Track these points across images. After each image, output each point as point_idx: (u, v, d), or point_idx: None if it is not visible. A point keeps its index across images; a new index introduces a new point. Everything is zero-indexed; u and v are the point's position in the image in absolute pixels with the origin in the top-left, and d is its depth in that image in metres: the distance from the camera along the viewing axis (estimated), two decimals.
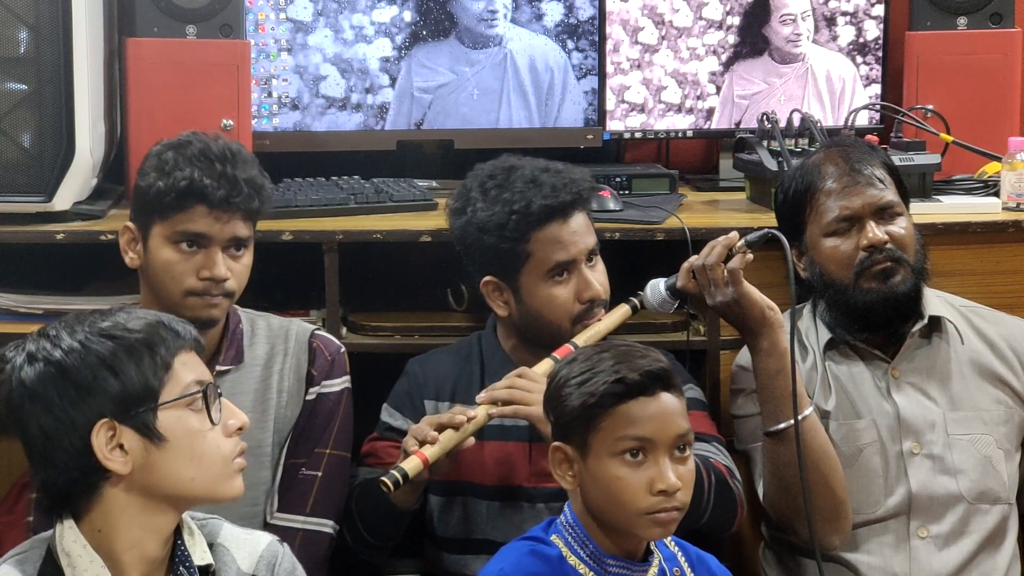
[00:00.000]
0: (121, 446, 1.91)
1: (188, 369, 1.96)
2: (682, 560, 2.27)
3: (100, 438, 1.90)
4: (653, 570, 2.21)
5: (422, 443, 2.43)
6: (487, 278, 2.65)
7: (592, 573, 2.17)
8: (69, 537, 1.93)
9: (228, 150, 2.52)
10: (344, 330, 2.95)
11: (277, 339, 2.65)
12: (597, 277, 2.63)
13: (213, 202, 2.47)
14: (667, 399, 2.16)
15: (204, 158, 2.49)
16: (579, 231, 2.62)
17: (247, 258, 2.55)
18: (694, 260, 2.64)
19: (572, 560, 2.18)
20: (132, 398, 1.90)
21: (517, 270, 2.61)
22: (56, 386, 1.90)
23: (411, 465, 2.41)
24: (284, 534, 2.49)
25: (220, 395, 1.99)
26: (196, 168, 2.48)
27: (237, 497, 2.00)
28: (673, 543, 2.29)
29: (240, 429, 2.00)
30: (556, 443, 2.19)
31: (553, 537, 2.21)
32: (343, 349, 2.70)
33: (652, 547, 2.22)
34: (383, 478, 2.41)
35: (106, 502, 1.94)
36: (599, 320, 2.62)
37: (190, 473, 1.94)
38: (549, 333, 2.58)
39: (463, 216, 2.65)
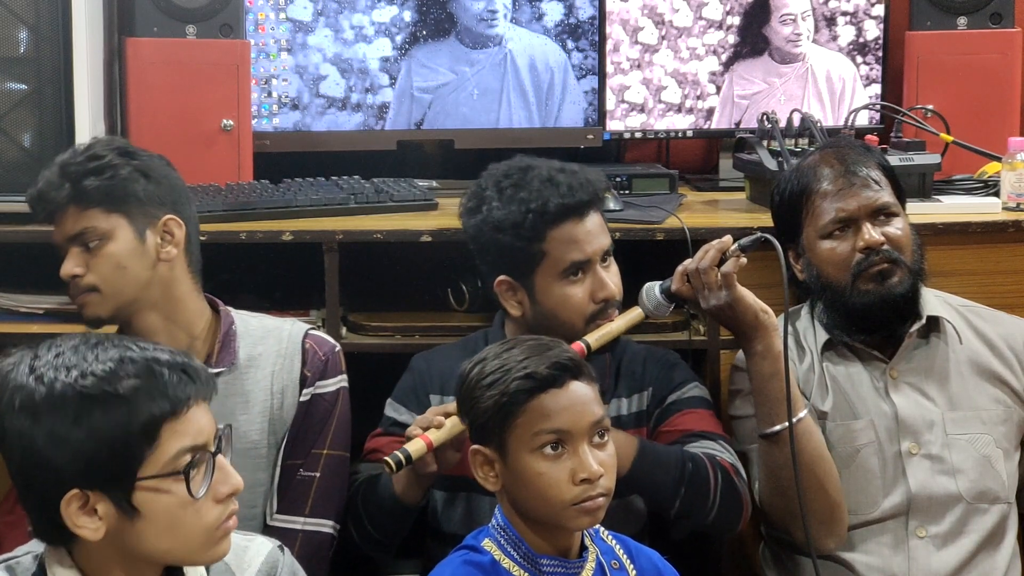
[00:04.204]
0: (96, 509, 1.78)
1: (178, 437, 1.79)
2: (620, 552, 2.26)
3: (70, 507, 1.77)
4: (590, 565, 2.20)
5: (426, 429, 2.43)
6: (501, 278, 2.65)
7: (526, 575, 2.16)
8: (54, 557, 1.85)
9: (60, 159, 2.51)
10: (344, 330, 2.95)
11: (271, 340, 2.63)
12: (611, 278, 2.63)
13: (37, 207, 2.49)
14: (578, 388, 2.15)
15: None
16: (594, 231, 2.62)
17: (109, 247, 2.48)
18: (688, 264, 2.64)
19: (506, 563, 2.17)
20: (106, 471, 1.76)
21: (532, 269, 2.61)
22: (29, 438, 1.76)
23: (415, 447, 2.40)
24: (284, 535, 2.49)
25: (217, 453, 1.84)
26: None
27: (220, 559, 1.90)
28: (610, 536, 2.28)
29: (232, 494, 1.85)
30: (475, 446, 2.19)
31: (485, 542, 2.20)
32: (338, 348, 2.68)
33: (587, 542, 2.22)
34: (386, 458, 2.40)
35: (86, 548, 1.83)
36: (611, 321, 2.63)
37: (166, 545, 1.81)
38: (562, 333, 2.57)
39: (478, 215, 2.65)
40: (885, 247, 2.69)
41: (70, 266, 2.48)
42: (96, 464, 1.76)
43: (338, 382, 2.66)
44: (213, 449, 1.84)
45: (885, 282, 2.69)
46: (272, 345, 2.62)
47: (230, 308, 2.64)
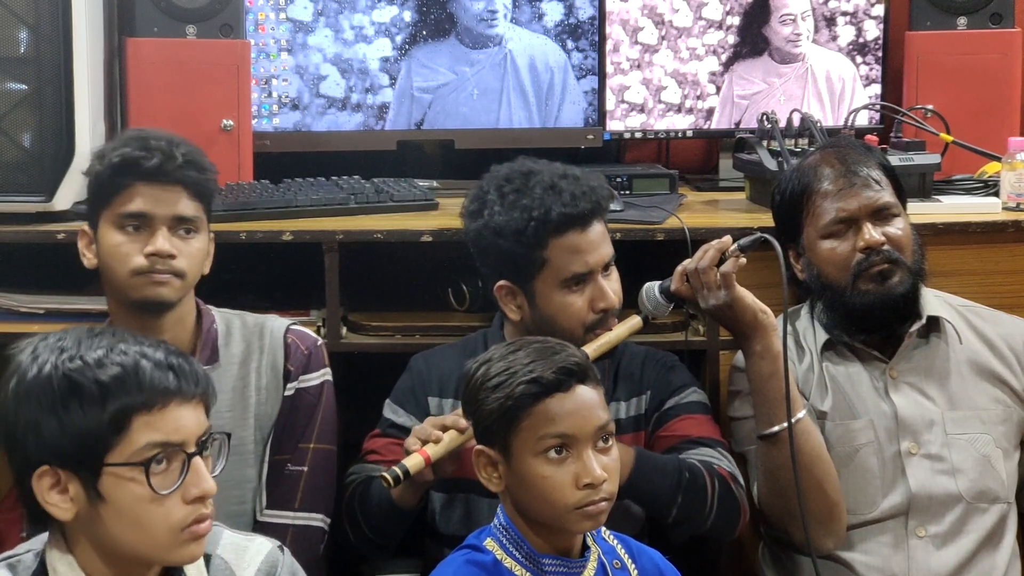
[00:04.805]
0: (68, 489, 1.82)
1: (150, 431, 1.81)
2: (622, 552, 2.26)
3: (41, 483, 1.82)
4: (591, 565, 2.20)
5: (424, 442, 2.43)
6: (501, 282, 2.64)
7: (528, 574, 2.16)
8: (56, 552, 1.88)
9: (167, 134, 2.55)
10: (345, 330, 2.95)
11: (252, 336, 2.65)
12: (612, 287, 2.63)
13: (148, 173, 2.47)
14: (584, 392, 2.15)
15: (139, 139, 2.52)
16: (596, 241, 2.61)
17: (199, 242, 2.54)
18: (687, 264, 2.64)
19: (508, 563, 2.17)
20: (72, 452, 1.80)
21: (532, 276, 2.60)
22: (14, 410, 1.83)
23: (413, 462, 2.41)
24: (274, 531, 2.51)
25: (195, 455, 1.84)
26: (130, 147, 2.50)
27: (188, 562, 1.90)
28: (612, 536, 2.29)
29: (201, 498, 1.84)
30: (479, 447, 2.19)
31: (487, 541, 2.20)
32: (320, 342, 2.70)
33: (589, 542, 2.22)
34: (384, 473, 2.40)
35: (82, 545, 1.87)
36: (610, 330, 2.63)
37: (131, 538, 1.83)
38: (560, 339, 2.57)
39: (479, 219, 2.64)
40: (886, 247, 2.69)
41: (168, 245, 2.49)
42: (65, 444, 1.80)
43: (321, 375, 2.67)
44: (192, 450, 1.85)
45: (885, 282, 2.69)
46: (254, 341, 2.64)
47: (210, 307, 2.65)
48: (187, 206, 2.50)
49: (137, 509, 1.82)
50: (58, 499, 1.82)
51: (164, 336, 2.51)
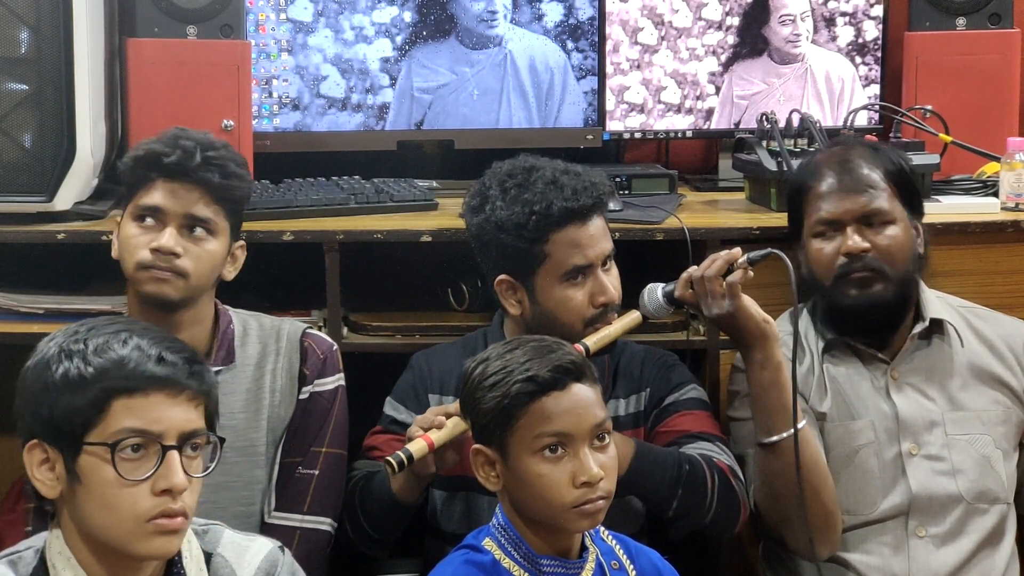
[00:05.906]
0: (55, 467, 1.88)
1: (129, 416, 1.86)
2: (620, 553, 2.27)
3: (32, 456, 1.89)
4: (590, 566, 2.21)
5: (427, 429, 2.44)
6: (501, 277, 2.66)
7: (527, 575, 2.17)
8: (55, 548, 1.92)
9: (206, 136, 2.56)
10: (345, 330, 2.96)
11: (269, 339, 2.65)
12: (612, 281, 2.64)
13: (166, 170, 2.49)
14: (580, 390, 2.15)
15: (171, 136, 2.54)
16: (597, 235, 2.62)
17: (213, 245, 2.53)
18: (693, 271, 2.63)
19: (506, 563, 2.17)
20: (56, 429, 1.87)
21: (533, 270, 2.62)
22: (21, 389, 1.91)
23: (416, 447, 2.40)
24: (282, 533, 2.51)
25: (171, 449, 1.87)
26: (159, 143, 2.52)
27: (157, 558, 1.92)
28: (610, 536, 2.29)
29: (167, 491, 1.86)
30: (476, 446, 2.20)
31: (486, 541, 2.20)
32: (335, 347, 2.71)
33: (587, 543, 2.22)
34: (387, 458, 2.41)
35: (63, 519, 1.92)
36: (610, 324, 2.63)
37: (100, 521, 1.87)
38: (561, 334, 2.56)
39: (481, 214, 2.66)
40: (870, 255, 2.68)
41: (173, 242, 2.49)
42: (53, 420, 1.87)
43: (336, 380, 2.68)
44: (169, 443, 1.87)
45: (864, 290, 2.69)
46: (271, 343, 2.64)
47: (227, 307, 2.66)
48: (203, 207, 2.51)
49: (106, 492, 1.86)
50: (45, 475, 1.89)
51: (180, 335, 2.52)
